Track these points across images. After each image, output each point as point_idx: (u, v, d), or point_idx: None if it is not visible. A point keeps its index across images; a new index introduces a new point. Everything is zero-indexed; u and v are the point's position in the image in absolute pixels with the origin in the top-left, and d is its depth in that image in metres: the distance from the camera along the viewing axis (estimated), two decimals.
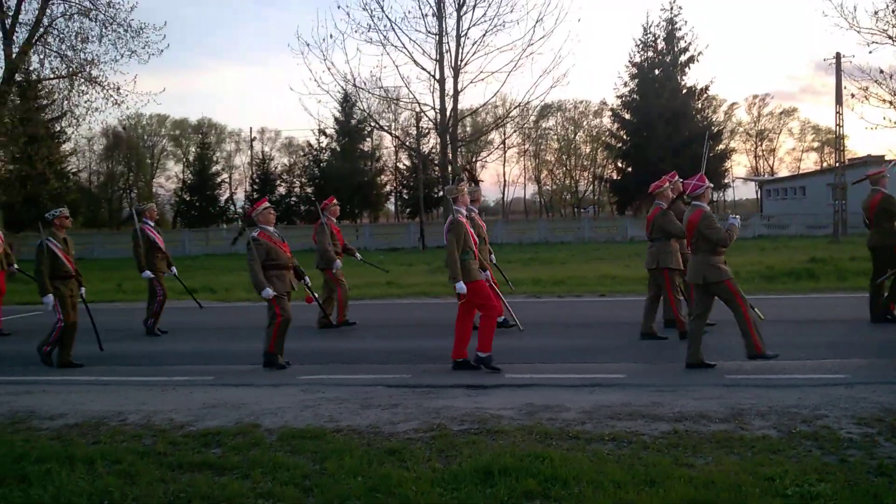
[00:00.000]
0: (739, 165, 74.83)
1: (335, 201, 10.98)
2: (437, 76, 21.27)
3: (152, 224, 10.44)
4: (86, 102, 21.06)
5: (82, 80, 20.69)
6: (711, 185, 7.72)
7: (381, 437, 5.02)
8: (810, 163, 77.77)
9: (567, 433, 4.96)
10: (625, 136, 50.51)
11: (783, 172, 75.10)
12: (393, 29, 21.14)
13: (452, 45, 21.04)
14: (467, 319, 7.35)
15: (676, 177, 8.84)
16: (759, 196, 63.86)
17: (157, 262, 10.20)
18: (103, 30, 20.48)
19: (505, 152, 69.24)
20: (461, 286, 7.01)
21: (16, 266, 11.24)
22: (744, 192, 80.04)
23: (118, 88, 20.70)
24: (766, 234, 35.63)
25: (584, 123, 74.63)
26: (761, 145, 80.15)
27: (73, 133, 32.50)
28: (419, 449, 4.70)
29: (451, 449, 4.70)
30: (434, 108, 22.03)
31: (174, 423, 5.57)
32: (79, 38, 20.46)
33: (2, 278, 10.95)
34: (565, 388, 6.33)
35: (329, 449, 4.73)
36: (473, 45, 21.06)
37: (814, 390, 5.96)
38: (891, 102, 18.61)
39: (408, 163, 58.16)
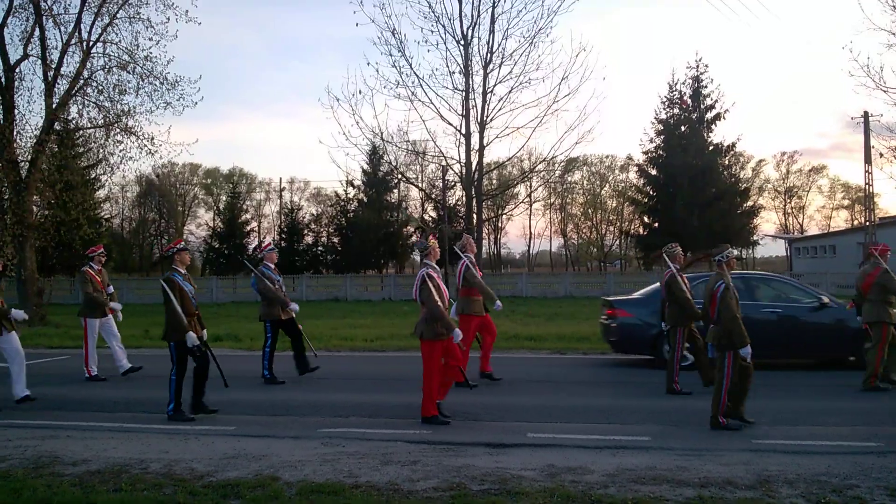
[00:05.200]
0: (768, 223, 74.30)
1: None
2: (464, 131, 21.54)
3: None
4: (120, 151, 21.61)
5: (118, 129, 21.29)
6: None
7: (400, 494, 4.97)
8: (840, 221, 77.10)
9: (589, 496, 4.87)
10: (651, 192, 50.48)
11: (813, 230, 74.39)
12: (421, 85, 21.43)
13: (479, 101, 21.33)
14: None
15: None
16: (788, 254, 63.17)
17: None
18: (140, 82, 21.17)
19: (531, 205, 69.83)
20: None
21: None
22: (773, 249, 79.18)
23: (152, 138, 21.25)
24: None
25: (611, 178, 75.04)
26: (790, 202, 79.67)
27: (107, 181, 33.27)
28: None
29: None
30: (460, 162, 22.27)
31: (195, 472, 5.57)
32: (116, 90, 21.14)
33: None
34: (588, 450, 6.23)
35: None
36: (499, 101, 21.32)
37: (844, 458, 5.81)
38: None
39: (434, 214, 58.63)
